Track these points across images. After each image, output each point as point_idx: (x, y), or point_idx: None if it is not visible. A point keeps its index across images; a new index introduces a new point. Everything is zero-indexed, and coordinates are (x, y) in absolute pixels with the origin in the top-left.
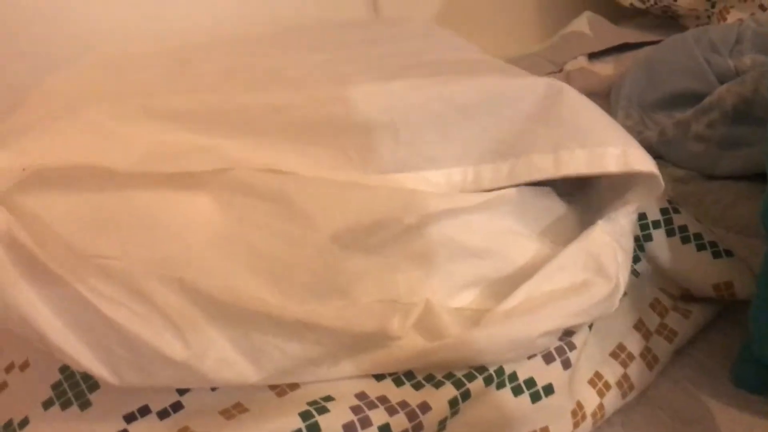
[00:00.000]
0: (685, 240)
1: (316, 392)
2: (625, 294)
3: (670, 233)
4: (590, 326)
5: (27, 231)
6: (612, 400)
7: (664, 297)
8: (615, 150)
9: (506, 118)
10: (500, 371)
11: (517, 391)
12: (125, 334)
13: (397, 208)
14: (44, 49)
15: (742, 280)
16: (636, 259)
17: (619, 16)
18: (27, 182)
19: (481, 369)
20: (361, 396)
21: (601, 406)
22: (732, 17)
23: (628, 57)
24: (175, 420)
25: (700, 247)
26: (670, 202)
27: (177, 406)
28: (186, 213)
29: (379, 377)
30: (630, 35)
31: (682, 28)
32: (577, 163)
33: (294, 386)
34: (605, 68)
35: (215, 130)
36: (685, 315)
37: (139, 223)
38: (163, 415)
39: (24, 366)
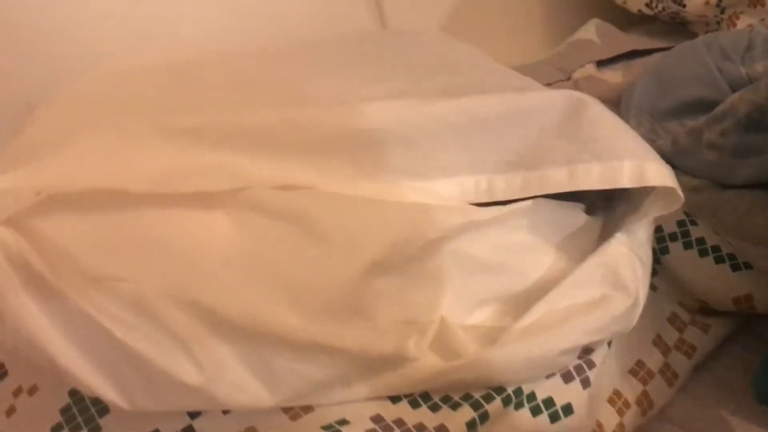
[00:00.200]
0: (703, 253)
1: (331, 415)
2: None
3: (687, 246)
4: (609, 343)
5: (38, 253)
6: (632, 418)
7: (682, 311)
8: (631, 164)
9: (523, 130)
10: (518, 391)
11: (535, 412)
12: (137, 358)
13: (420, 224)
14: (49, 62)
15: (762, 293)
16: (653, 273)
17: (626, 22)
18: (38, 204)
19: (499, 389)
20: (376, 419)
21: (621, 426)
22: (742, 23)
23: (637, 64)
24: None
25: (719, 260)
26: (686, 214)
27: (188, 431)
28: (201, 233)
29: (394, 399)
30: (639, 42)
31: (691, 35)
32: (591, 177)
33: (308, 409)
34: (614, 76)
35: (229, 146)
36: (704, 329)
37: (153, 245)
38: None
39: (32, 390)
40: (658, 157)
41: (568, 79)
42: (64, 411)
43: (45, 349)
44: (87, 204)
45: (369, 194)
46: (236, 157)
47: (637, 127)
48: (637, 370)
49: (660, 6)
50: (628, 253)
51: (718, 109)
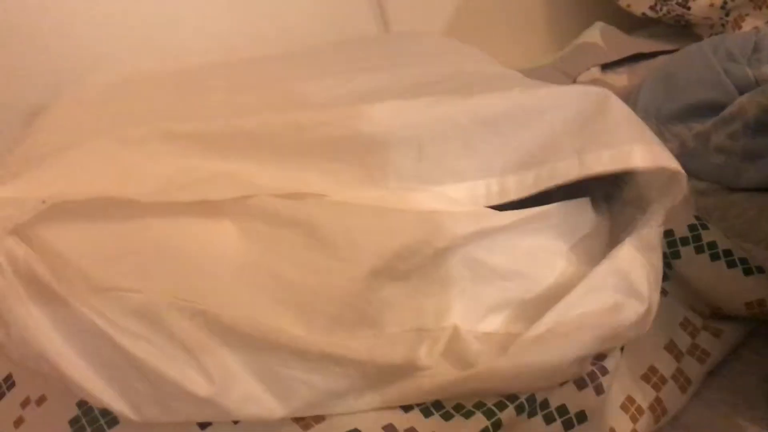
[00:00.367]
0: (714, 257)
1: (342, 425)
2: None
3: (698, 250)
4: (622, 349)
5: (45, 263)
6: (645, 425)
7: (694, 316)
8: (641, 146)
9: (534, 130)
10: (531, 399)
11: (549, 419)
12: (146, 370)
13: (427, 232)
14: (51, 62)
15: None
16: (664, 278)
17: (630, 25)
18: (44, 214)
19: (512, 397)
20: (389, 428)
21: None
22: (747, 25)
23: (642, 67)
24: None
25: (731, 264)
26: (698, 218)
27: None
28: (208, 242)
29: (406, 408)
30: (643, 45)
31: (696, 37)
32: (601, 162)
33: (319, 419)
34: (619, 79)
35: (234, 152)
36: (716, 334)
37: (160, 254)
38: None
39: (41, 401)
40: (663, 144)
41: (573, 82)
42: (73, 422)
43: (52, 360)
44: (93, 213)
45: (378, 200)
46: (242, 164)
47: None
48: (650, 376)
49: (664, 9)
50: (639, 259)
51: (726, 112)
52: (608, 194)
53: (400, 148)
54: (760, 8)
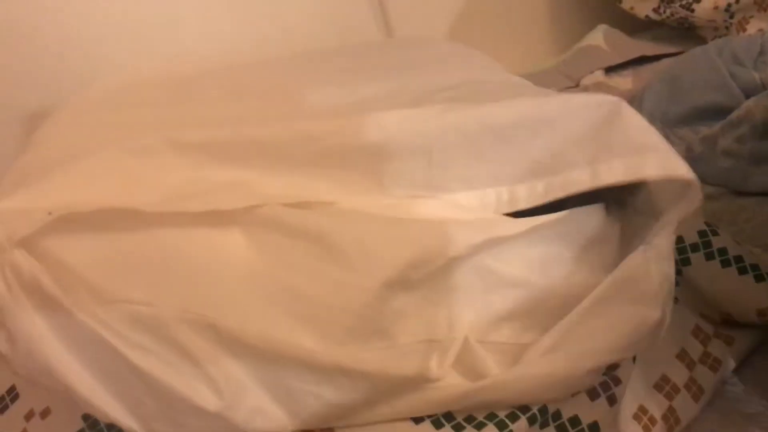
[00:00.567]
0: (725, 263)
1: None
2: None
3: (709, 257)
4: (634, 358)
5: (51, 275)
6: None
7: (705, 324)
8: (655, 155)
9: (543, 138)
10: (544, 410)
11: (561, 431)
12: (155, 384)
13: (441, 241)
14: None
15: None
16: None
17: (634, 28)
18: (51, 225)
19: (524, 408)
20: None
21: None
22: (752, 28)
23: (646, 69)
24: None
25: (742, 271)
26: (708, 224)
27: None
28: (217, 252)
29: (417, 420)
30: (647, 48)
31: (699, 40)
32: (614, 173)
33: (328, 431)
34: (623, 82)
35: (242, 161)
36: (728, 342)
37: (168, 265)
38: None
39: (45, 413)
40: (676, 153)
41: (577, 86)
42: None
43: (59, 374)
44: (100, 224)
45: (388, 208)
46: (250, 173)
47: None
48: (662, 385)
49: (668, 11)
50: (653, 267)
51: (734, 116)
52: (620, 200)
53: (410, 156)
54: (765, 11)
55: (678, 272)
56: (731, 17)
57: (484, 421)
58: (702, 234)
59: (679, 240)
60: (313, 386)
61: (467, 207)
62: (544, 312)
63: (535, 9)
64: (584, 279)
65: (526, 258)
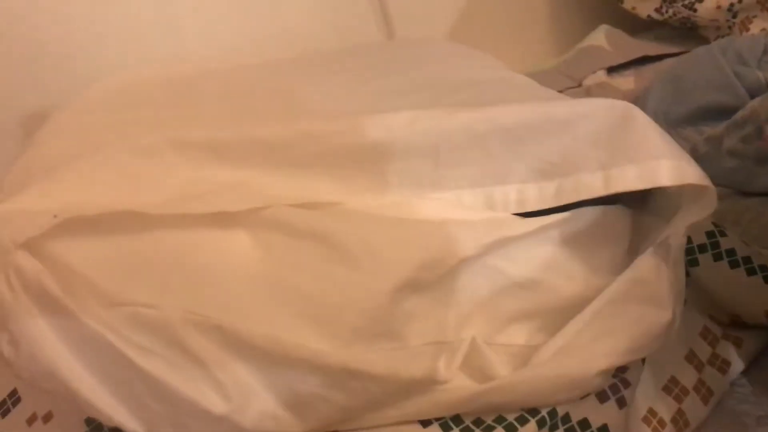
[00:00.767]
0: (733, 264)
1: None
2: None
3: (717, 258)
4: (643, 361)
5: (55, 278)
6: None
7: (713, 325)
8: (669, 162)
9: (556, 140)
10: (553, 413)
11: None
12: (160, 387)
13: (448, 243)
14: (55, 67)
15: None
16: None
17: (635, 28)
18: (56, 227)
19: (533, 411)
20: None
21: None
22: (755, 27)
23: (649, 69)
24: None
25: (750, 272)
26: (715, 225)
27: None
28: (222, 254)
29: (425, 423)
30: (649, 47)
31: (702, 40)
32: (627, 179)
33: None
34: (626, 82)
35: (247, 161)
36: (737, 343)
37: (173, 267)
38: None
39: (47, 418)
40: (690, 158)
41: (579, 86)
42: None
43: (63, 378)
44: (104, 226)
45: (393, 207)
46: (254, 174)
47: None
48: (671, 387)
49: (670, 11)
50: (663, 269)
51: (739, 116)
52: (630, 199)
53: (417, 156)
54: None
55: (686, 273)
56: (734, 17)
57: (493, 424)
58: (710, 235)
59: (687, 241)
60: (321, 389)
61: (473, 206)
62: (553, 313)
63: (535, 9)
64: (594, 280)
65: (535, 258)
